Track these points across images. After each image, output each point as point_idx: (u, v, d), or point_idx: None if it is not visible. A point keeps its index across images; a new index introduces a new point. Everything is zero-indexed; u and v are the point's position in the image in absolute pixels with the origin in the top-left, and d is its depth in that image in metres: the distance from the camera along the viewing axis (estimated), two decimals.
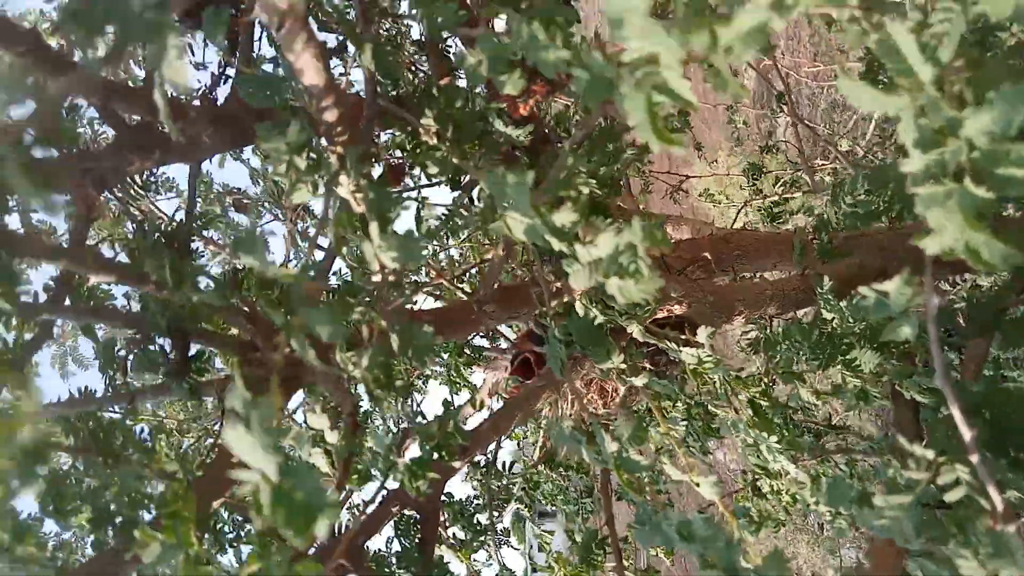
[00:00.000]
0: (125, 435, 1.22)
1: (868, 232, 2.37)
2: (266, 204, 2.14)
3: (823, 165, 3.76)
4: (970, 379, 1.99)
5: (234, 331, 1.60)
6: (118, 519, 1.19)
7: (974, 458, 1.08)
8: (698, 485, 1.49)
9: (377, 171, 1.45)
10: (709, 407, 2.27)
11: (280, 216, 2.76)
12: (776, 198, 3.31)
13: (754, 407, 1.98)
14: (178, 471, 1.19)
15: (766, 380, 2.18)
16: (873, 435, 2.73)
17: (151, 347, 1.49)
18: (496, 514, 2.66)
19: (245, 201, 1.91)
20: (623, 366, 1.66)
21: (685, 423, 2.12)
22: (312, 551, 1.48)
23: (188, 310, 1.16)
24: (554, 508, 3.09)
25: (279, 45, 0.96)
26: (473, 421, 2.57)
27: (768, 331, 2.25)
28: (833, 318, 1.98)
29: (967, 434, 1.10)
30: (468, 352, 3.03)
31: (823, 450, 2.52)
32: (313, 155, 0.98)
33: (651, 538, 1.23)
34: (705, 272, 2.22)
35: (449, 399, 2.96)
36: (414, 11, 0.96)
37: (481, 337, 3.16)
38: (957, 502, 1.37)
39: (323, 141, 1.05)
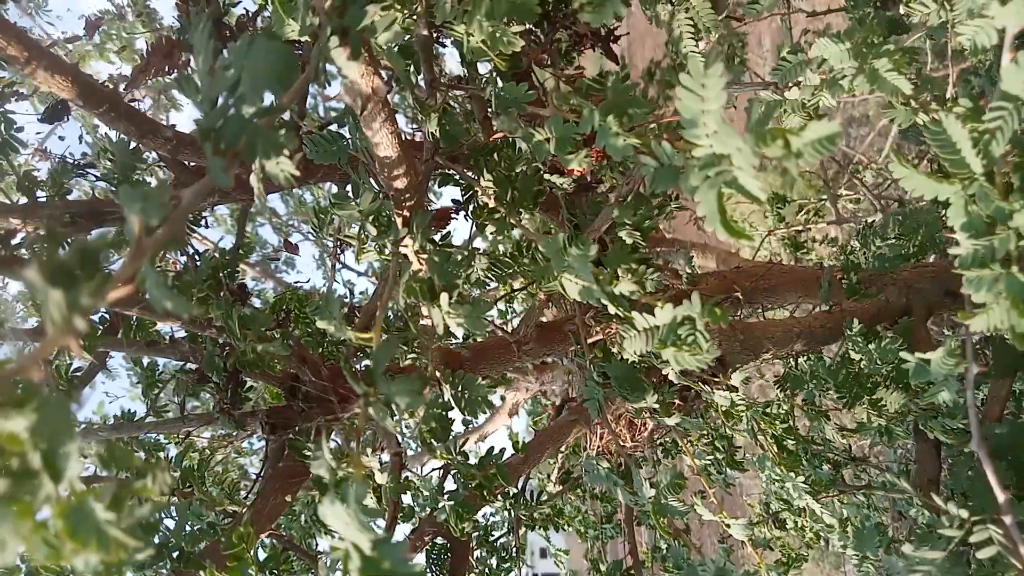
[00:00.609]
0: (185, 472, 1.27)
1: (893, 271, 2.40)
2: (304, 232, 2.19)
3: (848, 195, 3.78)
4: (992, 420, 2.02)
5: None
6: (176, 553, 1.24)
7: (1008, 519, 1.12)
8: (728, 526, 1.53)
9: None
10: (733, 441, 2.31)
11: (310, 237, 2.81)
12: (800, 227, 3.34)
13: (779, 444, 2.01)
14: (241, 510, 1.24)
15: (791, 417, 2.21)
16: (892, 467, 2.75)
17: (204, 383, 1.55)
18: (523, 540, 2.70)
19: (293, 244, 1.97)
20: (656, 406, 1.70)
21: (711, 458, 2.15)
22: None
23: (250, 356, 1.20)
24: (569, 528, 3.13)
25: (354, 115, 1.01)
26: (491, 439, 2.61)
27: (794, 367, 2.29)
28: (860, 359, 2.02)
29: (1000, 496, 1.14)
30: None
31: (844, 484, 2.55)
32: (383, 218, 1.02)
33: None
34: (734, 307, 2.25)
35: (469, 419, 3.00)
36: (486, 88, 1.00)
37: None
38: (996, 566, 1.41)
39: (391, 203, 1.10)
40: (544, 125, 1.00)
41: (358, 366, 1.45)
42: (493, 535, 2.20)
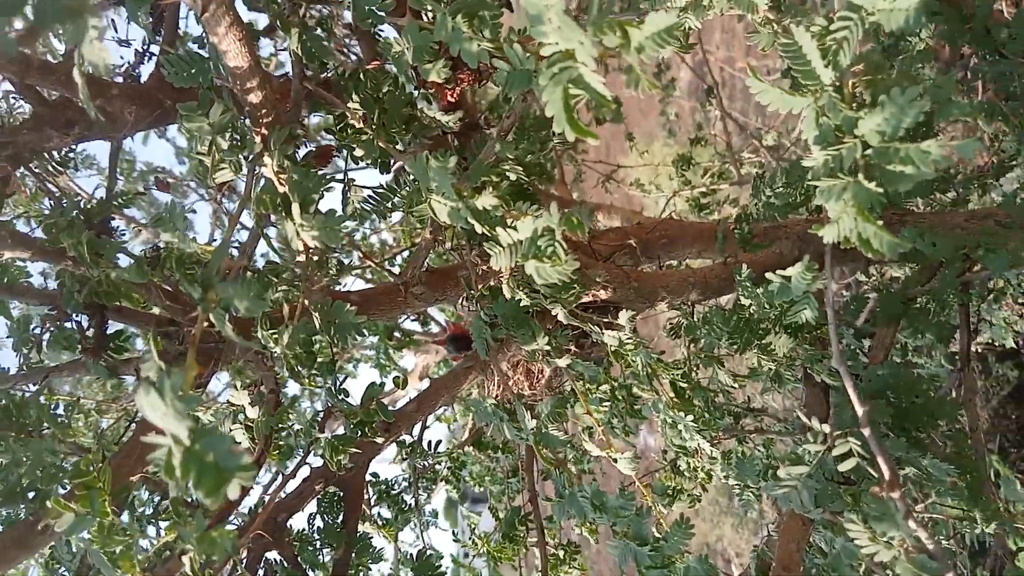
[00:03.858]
0: (39, 410, 1.20)
1: (787, 223, 2.47)
2: (191, 184, 2.10)
3: (751, 158, 3.88)
4: (877, 363, 2.12)
5: (155, 310, 1.58)
6: (31, 493, 1.18)
7: (866, 431, 1.17)
8: (615, 461, 1.55)
9: (305, 153, 1.44)
10: (634, 389, 2.35)
11: (206, 196, 2.71)
12: (704, 189, 3.41)
13: (675, 389, 2.05)
14: (93, 445, 1.18)
15: (688, 364, 2.26)
16: (788, 417, 2.86)
17: (67, 324, 1.47)
18: (425, 495, 2.69)
19: (168, 180, 1.87)
20: (548, 348, 1.71)
21: (609, 404, 2.18)
22: (232, 527, 1.48)
23: (106, 287, 1.14)
24: (483, 491, 3.14)
25: (203, 25, 0.96)
26: (401, 403, 2.58)
27: (691, 317, 2.33)
28: (750, 304, 2.07)
29: (859, 409, 1.18)
30: (399, 336, 3.04)
31: (741, 431, 2.63)
32: (237, 135, 0.98)
33: (567, 509, 1.28)
34: (631, 259, 2.28)
35: (378, 382, 2.96)
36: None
37: (412, 321, 3.17)
38: (858, 478, 1.47)
39: (247, 122, 1.06)
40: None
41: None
42: (393, 489, 2.19)
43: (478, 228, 1.03)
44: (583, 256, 2.04)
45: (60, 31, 0.69)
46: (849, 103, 0.94)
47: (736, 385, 2.38)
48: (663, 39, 0.77)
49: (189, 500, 1.27)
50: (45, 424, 1.25)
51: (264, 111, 1.02)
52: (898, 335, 3.00)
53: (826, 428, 1.23)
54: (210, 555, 0.89)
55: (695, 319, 2.28)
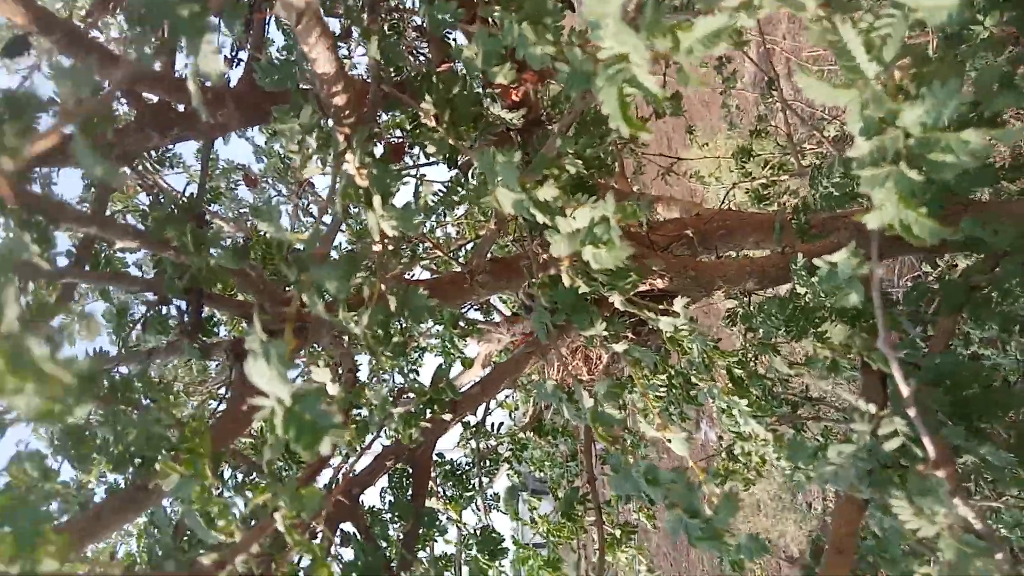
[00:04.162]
0: (146, 385, 1.34)
1: (845, 213, 2.48)
2: (270, 180, 2.25)
3: (813, 149, 3.85)
4: (936, 352, 2.12)
5: (242, 297, 1.72)
6: (138, 460, 1.31)
7: (911, 411, 1.21)
8: (670, 441, 1.61)
9: (379, 150, 1.55)
10: (691, 378, 2.40)
11: (284, 192, 2.86)
12: (764, 181, 3.42)
13: (731, 376, 2.10)
14: (193, 418, 1.31)
15: (743, 351, 2.30)
16: (846, 406, 2.86)
17: (166, 309, 1.61)
18: (488, 479, 2.80)
19: (253, 176, 2.02)
20: (605, 333, 1.78)
21: (665, 390, 2.24)
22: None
23: (205, 273, 1.27)
24: (544, 478, 3.23)
25: (294, 35, 1.06)
26: (466, 388, 2.68)
27: (748, 306, 2.37)
28: (806, 293, 2.10)
29: (905, 390, 1.22)
30: (463, 324, 3.15)
31: (799, 419, 2.65)
32: (323, 136, 1.09)
33: (622, 484, 1.35)
34: (689, 249, 2.33)
35: (444, 367, 3.08)
36: (418, 5, 1.06)
37: (475, 310, 3.27)
38: (909, 460, 1.50)
39: (331, 122, 1.16)
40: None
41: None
42: (458, 469, 2.30)
43: (540, 218, 1.11)
44: (640, 246, 2.11)
45: (182, 45, 0.80)
46: (893, 95, 0.98)
47: (793, 373, 2.41)
48: (712, 41, 0.83)
49: (276, 469, 1.39)
50: (149, 399, 1.39)
51: (347, 112, 1.13)
52: (964, 326, 2.97)
53: (872, 408, 1.27)
54: (300, 511, 1.00)
55: (752, 308, 2.32)
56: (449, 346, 3.01)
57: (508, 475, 3.07)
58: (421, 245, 2.10)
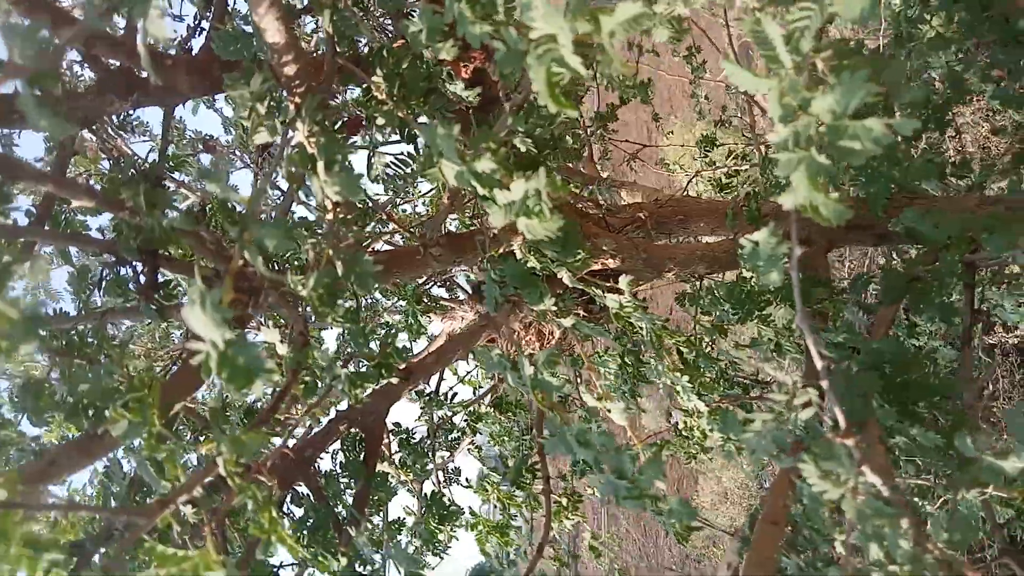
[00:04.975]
0: (100, 340, 1.38)
1: None
2: (236, 152, 2.28)
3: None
4: (877, 338, 2.22)
5: (203, 263, 1.76)
6: (91, 411, 1.36)
7: (824, 383, 1.29)
8: (609, 411, 1.69)
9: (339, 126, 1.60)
10: (640, 356, 2.48)
11: (249, 163, 2.89)
12: (727, 169, 3.50)
13: (680, 355, 2.18)
14: (144, 372, 1.36)
15: (693, 332, 2.39)
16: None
17: (123, 270, 1.65)
18: (447, 452, 2.88)
19: (212, 143, 2.06)
20: (555, 308, 1.85)
21: (617, 367, 2.32)
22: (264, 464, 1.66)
23: (159, 233, 1.31)
24: (503, 453, 3.31)
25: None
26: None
27: (699, 289, 2.45)
28: (751, 277, 2.19)
29: (819, 362, 1.31)
30: (426, 301, 3.20)
31: (748, 399, 2.75)
32: (273, 102, 1.13)
33: (557, 445, 1.42)
34: (643, 232, 2.41)
35: (408, 345, 3.14)
36: None
37: (439, 287, 3.33)
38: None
39: (284, 92, 1.21)
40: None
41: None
42: (414, 437, 2.36)
43: (479, 190, 1.17)
44: (596, 227, 2.17)
45: (126, 7, 0.84)
46: (808, 85, 1.05)
47: (744, 356, 2.50)
48: (632, 26, 0.89)
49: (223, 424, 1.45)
50: (104, 352, 1.44)
51: (298, 82, 1.18)
52: (913, 317, 3.08)
53: (789, 380, 1.35)
54: (240, 455, 1.06)
55: (701, 291, 2.40)
56: (412, 321, 3.07)
57: (468, 449, 3.15)
58: (383, 221, 2.15)
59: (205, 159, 2.30)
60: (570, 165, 3.69)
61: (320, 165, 1.06)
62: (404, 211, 3.78)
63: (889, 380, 2.03)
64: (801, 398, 1.36)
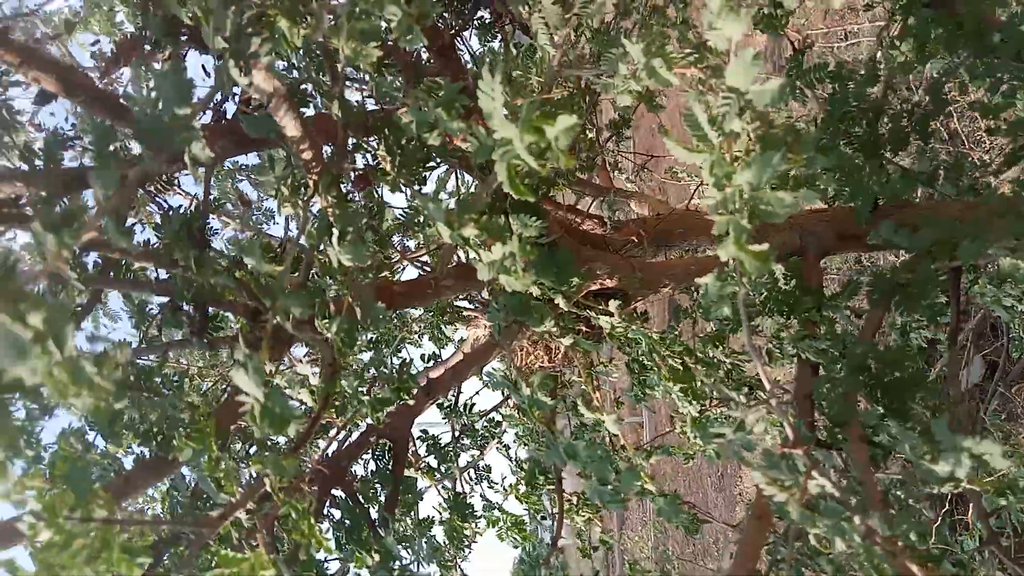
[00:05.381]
0: (163, 378, 1.66)
1: (791, 216, 2.75)
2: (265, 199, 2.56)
3: None
4: (864, 340, 2.40)
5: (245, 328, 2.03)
6: (159, 438, 1.64)
7: (773, 401, 1.50)
8: (603, 422, 1.92)
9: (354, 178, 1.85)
10: (644, 365, 2.69)
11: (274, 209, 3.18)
12: None
13: (670, 366, 2.39)
14: (202, 403, 1.63)
15: (690, 342, 2.59)
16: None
17: (178, 312, 1.93)
18: (479, 453, 3.14)
19: (246, 198, 2.34)
20: (554, 329, 2.08)
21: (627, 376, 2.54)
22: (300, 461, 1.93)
23: (207, 288, 1.58)
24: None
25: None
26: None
27: (694, 301, 2.64)
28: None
29: (767, 383, 1.52)
30: (450, 311, 3.46)
31: (748, 402, 2.94)
32: (294, 183, 1.39)
33: (551, 456, 1.65)
34: (640, 250, 2.61)
35: (437, 352, 3.41)
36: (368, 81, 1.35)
37: (462, 299, 3.58)
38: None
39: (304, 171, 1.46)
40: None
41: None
42: (440, 443, 2.62)
43: (468, 251, 1.41)
44: (592, 249, 2.39)
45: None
46: (731, 160, 1.26)
47: (740, 362, 2.69)
48: (567, 135, 1.11)
49: (269, 443, 1.72)
50: (165, 387, 1.71)
51: (314, 164, 1.42)
52: (901, 318, 3.24)
53: (743, 398, 1.56)
54: (280, 476, 1.31)
55: (696, 304, 2.60)
56: (437, 332, 3.33)
57: (497, 448, 3.41)
58: (393, 257, 2.40)
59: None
60: (582, 177, 3.90)
61: (335, 238, 1.31)
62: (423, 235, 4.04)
63: (878, 379, 2.21)
64: (754, 414, 1.57)
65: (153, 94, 0.98)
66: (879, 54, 2.49)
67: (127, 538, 1.18)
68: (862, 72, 2.45)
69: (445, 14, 2.16)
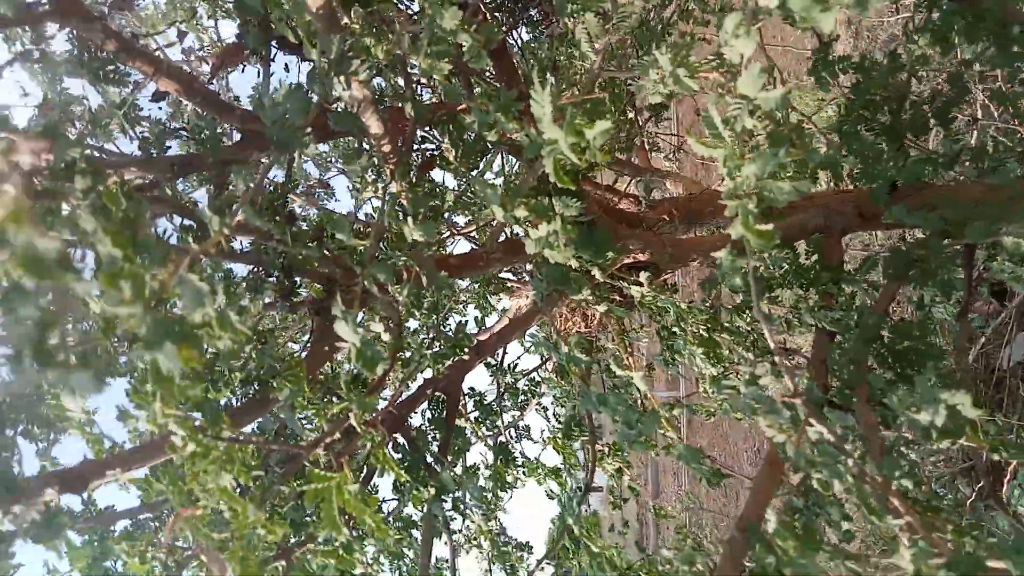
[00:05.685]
0: (260, 335, 1.98)
1: (813, 195, 2.97)
2: (332, 158, 2.86)
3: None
4: (879, 312, 2.62)
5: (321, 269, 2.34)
6: (257, 382, 1.96)
7: (776, 357, 1.75)
8: (631, 379, 2.18)
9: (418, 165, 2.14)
10: (673, 331, 2.95)
11: (344, 171, 3.48)
12: None
13: (695, 332, 2.65)
14: (295, 352, 1.95)
15: (715, 311, 2.84)
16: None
17: (266, 279, 2.25)
18: (519, 413, 3.45)
19: (326, 183, 2.64)
20: (590, 297, 2.35)
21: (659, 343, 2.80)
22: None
23: (297, 258, 1.88)
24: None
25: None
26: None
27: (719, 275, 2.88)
28: (763, 264, 2.62)
29: (772, 343, 1.77)
30: (495, 282, 3.75)
31: (773, 366, 3.18)
32: (375, 172, 1.67)
33: (585, 404, 1.93)
34: (671, 227, 2.86)
35: (480, 318, 3.72)
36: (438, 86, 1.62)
37: (507, 271, 3.86)
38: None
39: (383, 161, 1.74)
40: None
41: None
42: (485, 399, 2.92)
43: (518, 228, 1.68)
44: (627, 227, 2.64)
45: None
46: (741, 154, 1.51)
47: (758, 330, 2.94)
48: (603, 136, 1.37)
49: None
50: (266, 339, 2.03)
51: (392, 156, 1.71)
52: (917, 292, 3.44)
53: (750, 356, 1.82)
54: (364, 411, 1.62)
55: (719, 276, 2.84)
56: (483, 302, 3.62)
57: (536, 409, 3.71)
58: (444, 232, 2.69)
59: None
60: (621, 157, 4.13)
61: (411, 219, 1.59)
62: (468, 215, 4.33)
63: (889, 348, 2.44)
64: (759, 370, 1.82)
65: (278, 107, 1.28)
66: (898, 47, 2.67)
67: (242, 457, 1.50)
68: (884, 62, 2.64)
69: (497, 13, 2.41)
